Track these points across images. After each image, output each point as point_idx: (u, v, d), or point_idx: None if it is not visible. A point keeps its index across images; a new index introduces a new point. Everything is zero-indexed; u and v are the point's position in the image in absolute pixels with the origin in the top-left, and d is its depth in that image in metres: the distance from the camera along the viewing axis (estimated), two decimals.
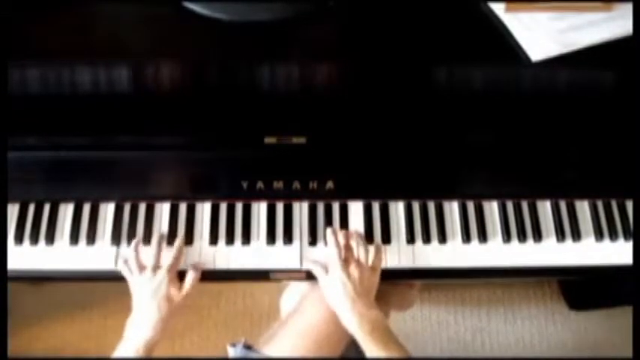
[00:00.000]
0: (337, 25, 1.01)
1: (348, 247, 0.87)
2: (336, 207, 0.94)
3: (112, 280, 0.92)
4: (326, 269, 0.86)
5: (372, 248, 0.88)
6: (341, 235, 0.88)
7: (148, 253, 0.87)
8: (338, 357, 0.93)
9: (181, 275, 0.87)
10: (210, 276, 0.90)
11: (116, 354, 0.81)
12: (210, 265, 0.90)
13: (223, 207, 0.93)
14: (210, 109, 0.92)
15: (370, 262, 0.86)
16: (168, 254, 0.87)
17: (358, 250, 0.87)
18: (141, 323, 0.82)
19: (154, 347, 0.81)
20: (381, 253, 0.88)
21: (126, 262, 0.87)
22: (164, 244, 0.89)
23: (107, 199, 0.93)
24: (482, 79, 0.98)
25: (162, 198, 0.93)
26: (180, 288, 0.85)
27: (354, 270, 0.83)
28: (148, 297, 0.83)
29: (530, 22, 0.98)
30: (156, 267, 0.85)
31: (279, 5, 0.98)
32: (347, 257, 0.85)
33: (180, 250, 0.88)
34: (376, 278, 0.86)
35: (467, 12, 1.01)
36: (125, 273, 0.87)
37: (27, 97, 0.93)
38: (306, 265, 0.89)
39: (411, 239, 0.92)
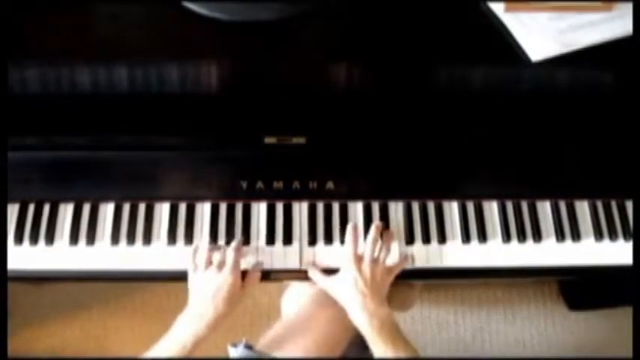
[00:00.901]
0: (337, 25, 1.01)
1: (369, 243, 0.86)
2: (335, 207, 0.93)
3: (112, 280, 0.92)
4: (330, 272, 0.87)
5: (399, 254, 0.89)
6: (368, 231, 0.88)
7: (215, 252, 0.87)
8: (338, 357, 0.93)
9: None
10: None
11: (159, 348, 0.80)
12: None
13: (223, 207, 0.93)
14: (209, 108, 0.92)
15: (389, 263, 0.87)
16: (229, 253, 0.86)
17: (377, 248, 0.87)
18: (195, 319, 0.81)
19: (199, 344, 0.81)
20: (405, 263, 0.89)
21: (194, 256, 0.87)
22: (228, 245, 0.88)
23: (107, 199, 0.93)
24: (482, 79, 0.99)
25: (162, 198, 0.93)
26: (242, 287, 0.85)
27: (366, 267, 0.83)
28: (209, 294, 0.82)
29: (530, 22, 0.98)
30: (221, 265, 0.85)
31: (279, 5, 0.98)
32: (362, 255, 0.85)
33: (241, 249, 0.88)
34: (390, 278, 0.86)
35: (467, 12, 1.01)
36: (190, 268, 0.86)
37: (27, 97, 0.93)
38: (305, 267, 0.90)
39: (410, 240, 0.92)
